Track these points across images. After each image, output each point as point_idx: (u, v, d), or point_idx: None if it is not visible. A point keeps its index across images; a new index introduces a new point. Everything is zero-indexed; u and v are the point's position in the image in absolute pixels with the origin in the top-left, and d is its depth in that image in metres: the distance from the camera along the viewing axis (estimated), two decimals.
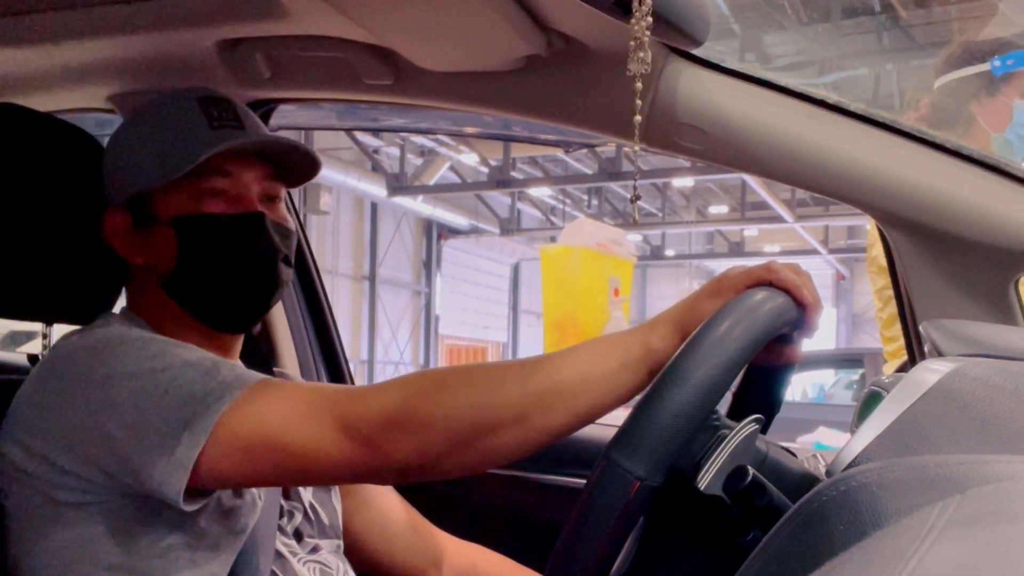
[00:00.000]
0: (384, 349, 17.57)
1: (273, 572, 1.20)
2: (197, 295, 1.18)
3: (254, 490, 1.16)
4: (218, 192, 1.16)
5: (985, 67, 2.04)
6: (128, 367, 1.02)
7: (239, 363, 1.08)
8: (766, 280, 0.98)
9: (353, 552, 1.39)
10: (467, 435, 0.96)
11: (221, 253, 1.16)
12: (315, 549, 1.29)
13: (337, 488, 1.38)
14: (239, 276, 1.17)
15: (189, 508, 1.01)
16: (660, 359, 0.95)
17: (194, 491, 1.01)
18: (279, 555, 1.23)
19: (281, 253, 1.19)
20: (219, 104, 1.20)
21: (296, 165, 1.23)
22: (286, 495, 1.29)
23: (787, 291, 0.98)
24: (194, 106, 1.19)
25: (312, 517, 1.31)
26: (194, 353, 1.06)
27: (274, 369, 1.45)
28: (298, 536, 1.28)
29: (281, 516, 1.26)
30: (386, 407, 0.97)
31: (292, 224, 1.24)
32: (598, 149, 12.54)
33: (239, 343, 1.26)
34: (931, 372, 0.87)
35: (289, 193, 1.93)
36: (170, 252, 1.17)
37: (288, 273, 1.22)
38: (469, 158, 13.72)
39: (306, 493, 1.32)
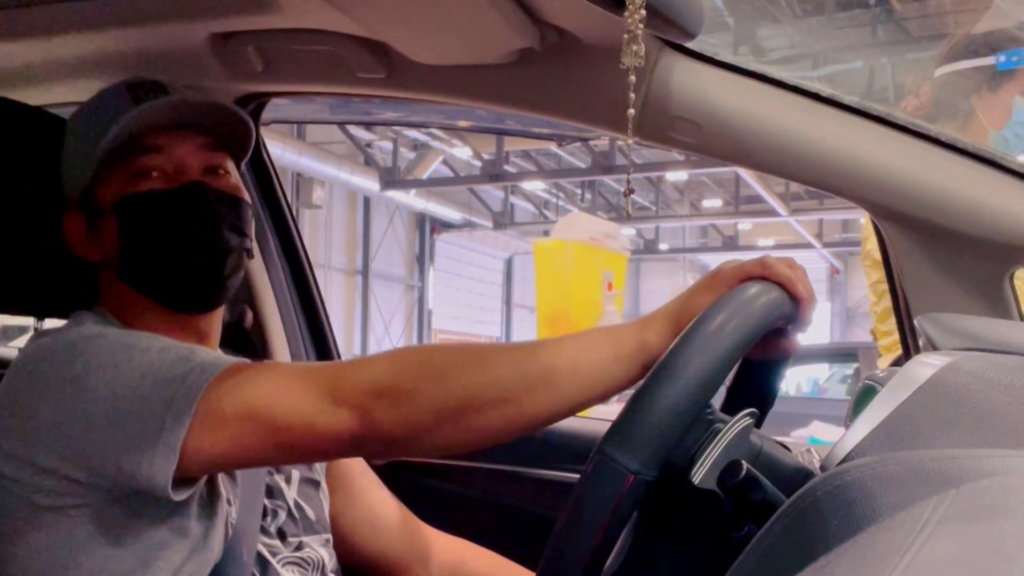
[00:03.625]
0: (377, 343, 17.56)
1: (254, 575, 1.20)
2: (147, 278, 1.16)
3: (226, 489, 1.15)
4: (150, 169, 1.13)
5: (989, 61, 2.04)
6: (103, 358, 1.01)
7: (217, 350, 1.07)
8: (760, 274, 0.98)
9: (342, 547, 1.39)
10: (454, 410, 0.96)
11: (159, 230, 1.13)
12: (299, 547, 1.28)
13: (324, 482, 1.38)
14: (182, 250, 1.14)
15: (177, 497, 0.99)
16: (654, 354, 0.95)
17: (181, 479, 0.99)
18: (260, 558, 1.22)
19: (225, 221, 1.15)
20: (147, 85, 1.17)
21: (234, 133, 1.20)
22: (269, 494, 1.28)
23: (781, 285, 0.97)
24: (122, 91, 1.17)
25: (296, 515, 1.30)
26: (170, 342, 1.05)
27: (265, 361, 1.44)
28: (282, 535, 1.27)
29: (264, 516, 1.25)
30: (375, 376, 0.96)
31: (245, 194, 1.20)
32: (591, 143, 12.55)
33: (214, 328, 1.23)
34: (926, 366, 0.87)
35: (281, 187, 1.93)
36: (115, 240, 1.15)
37: (239, 241, 1.18)
38: (462, 152, 13.72)
39: (290, 491, 1.31)
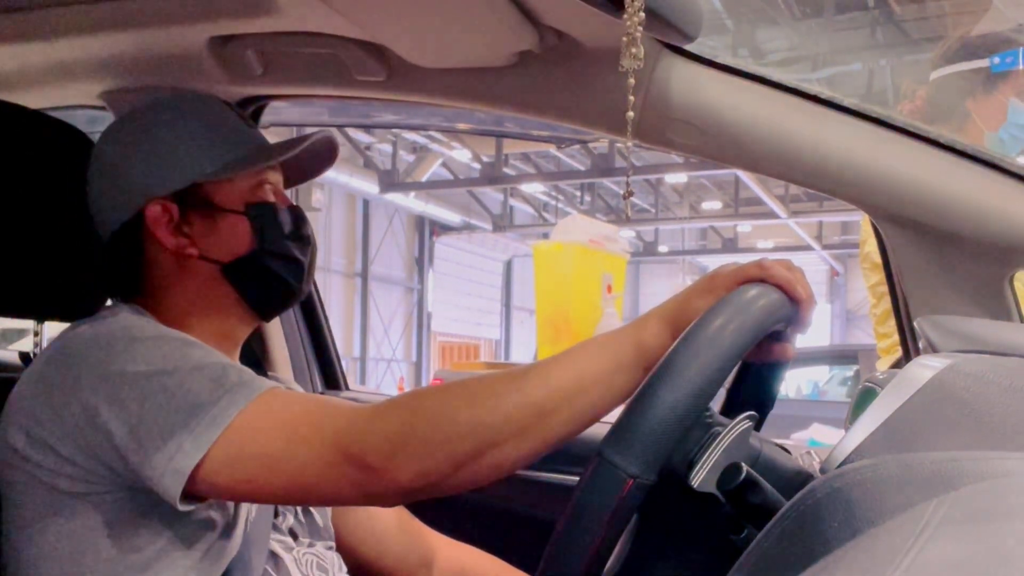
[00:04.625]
0: (376, 346, 17.56)
1: (266, 571, 1.20)
2: (258, 279, 1.22)
3: None
4: (270, 184, 1.23)
5: (983, 63, 2.04)
6: (138, 366, 1.02)
7: (245, 368, 1.07)
8: (758, 277, 0.98)
9: (343, 552, 1.39)
10: (469, 454, 0.95)
11: (288, 239, 1.23)
12: (311, 545, 1.29)
13: None
14: (295, 261, 1.23)
15: (184, 508, 1.01)
16: (653, 356, 0.95)
17: (190, 495, 1.00)
18: (273, 554, 1.22)
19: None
20: (233, 106, 1.28)
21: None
22: None
23: (780, 287, 0.97)
24: (220, 104, 1.26)
25: (303, 520, 1.30)
26: (205, 354, 1.06)
27: (268, 373, 1.45)
28: (293, 535, 1.28)
29: (276, 515, 1.26)
30: (387, 432, 0.96)
31: None
32: (591, 145, 12.55)
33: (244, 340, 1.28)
34: (925, 368, 0.86)
35: None
36: (241, 238, 1.20)
37: None
38: (461, 154, 13.72)
39: None
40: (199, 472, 0.98)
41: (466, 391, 0.98)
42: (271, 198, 1.22)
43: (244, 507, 1.14)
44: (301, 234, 1.25)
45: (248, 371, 1.06)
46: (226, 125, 1.23)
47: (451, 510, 1.65)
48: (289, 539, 1.27)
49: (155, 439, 0.98)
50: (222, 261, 1.20)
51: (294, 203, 1.26)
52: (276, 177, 1.25)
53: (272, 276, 1.22)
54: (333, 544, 1.35)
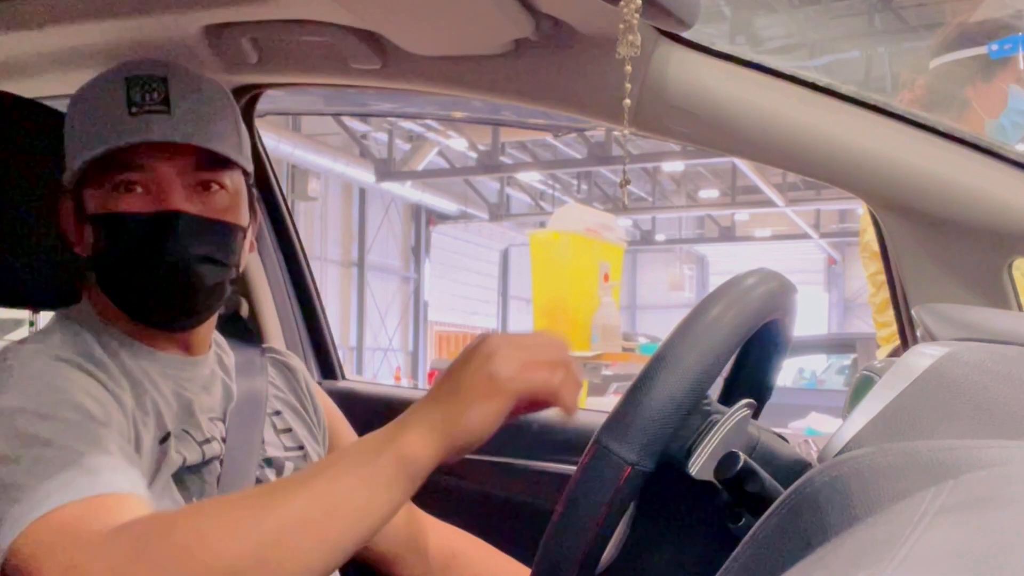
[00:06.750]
0: (373, 336, 17.58)
1: None
2: (116, 294, 1.14)
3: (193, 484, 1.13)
4: (132, 186, 1.10)
5: (982, 50, 2.04)
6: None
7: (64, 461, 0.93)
8: (544, 392, 0.91)
9: None
10: None
11: (127, 256, 1.11)
12: None
13: (308, 449, 1.35)
14: (149, 279, 1.11)
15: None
16: (419, 465, 0.87)
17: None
18: None
19: (195, 256, 1.11)
20: (146, 85, 1.12)
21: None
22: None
23: (561, 407, 0.92)
24: (120, 87, 1.12)
25: None
26: (52, 443, 0.93)
27: (263, 346, 1.43)
28: None
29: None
30: (111, 566, 0.83)
31: (236, 215, 1.16)
32: (587, 134, 12.55)
33: (200, 337, 1.21)
34: (924, 357, 0.86)
35: (276, 179, 1.92)
36: (91, 247, 1.14)
37: (217, 273, 1.14)
38: (458, 143, 13.71)
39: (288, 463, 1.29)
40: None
41: (198, 519, 0.87)
42: (124, 205, 1.09)
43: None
44: (159, 250, 1.09)
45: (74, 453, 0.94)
46: (106, 117, 1.11)
47: (450, 499, 1.65)
48: None
49: None
50: (90, 265, 1.15)
51: (177, 206, 1.09)
52: (145, 177, 1.10)
53: (125, 291, 1.13)
54: None
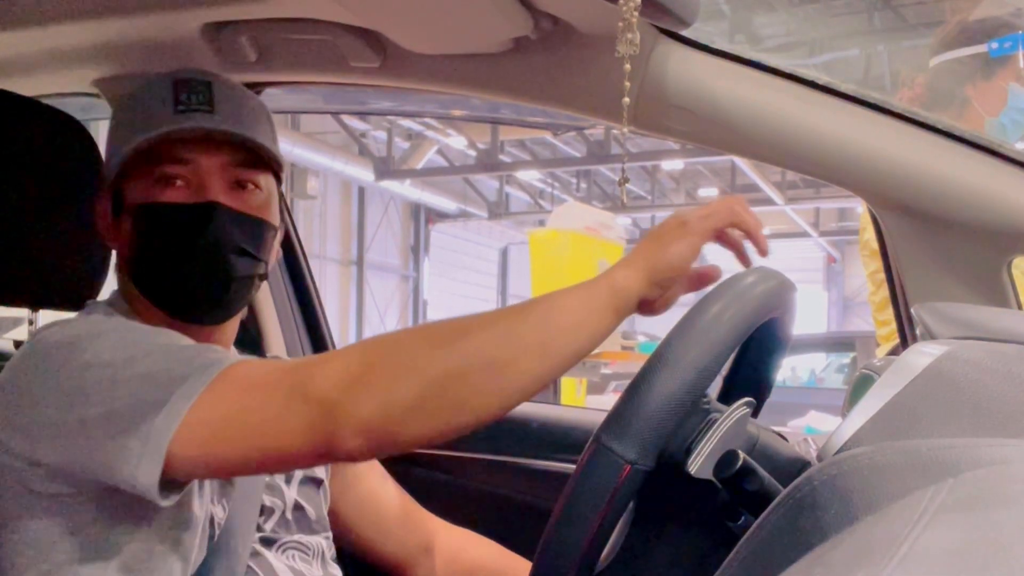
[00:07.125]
0: (372, 334, 17.54)
1: (250, 567, 1.20)
2: (151, 285, 1.16)
3: (210, 486, 1.14)
4: (175, 177, 1.14)
5: (981, 48, 2.03)
6: (103, 356, 1.00)
7: (221, 349, 1.05)
8: (729, 222, 0.99)
9: (344, 537, 1.38)
10: (434, 384, 0.90)
11: (165, 244, 1.14)
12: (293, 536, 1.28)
13: (327, 481, 1.37)
14: (184, 269, 1.14)
15: (165, 502, 0.98)
16: (624, 297, 0.96)
17: (168, 483, 0.97)
18: (254, 552, 1.21)
19: (231, 246, 1.15)
20: (193, 87, 1.16)
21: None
22: (268, 491, 1.27)
23: (749, 234, 1.00)
24: (167, 88, 1.16)
25: (289, 518, 1.29)
26: (173, 339, 1.04)
27: (267, 355, 1.44)
28: (277, 531, 1.27)
29: (261, 514, 1.25)
30: (346, 365, 0.93)
31: (270, 214, 1.20)
32: (586, 132, 12.54)
33: (226, 334, 1.23)
34: (923, 355, 0.86)
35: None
36: (129, 240, 1.16)
37: (249, 265, 1.17)
38: (457, 141, 13.69)
39: (290, 491, 1.30)
40: (174, 448, 0.94)
41: (429, 327, 0.97)
42: (166, 197, 1.13)
43: (200, 510, 1.11)
44: (197, 239, 1.13)
45: (223, 350, 1.04)
46: (152, 115, 1.15)
47: (450, 497, 1.65)
48: (272, 536, 1.26)
49: (125, 420, 0.95)
50: (124, 259, 1.19)
51: (217, 198, 1.13)
52: (187, 170, 1.14)
53: (159, 283, 1.16)
54: (329, 535, 1.34)
